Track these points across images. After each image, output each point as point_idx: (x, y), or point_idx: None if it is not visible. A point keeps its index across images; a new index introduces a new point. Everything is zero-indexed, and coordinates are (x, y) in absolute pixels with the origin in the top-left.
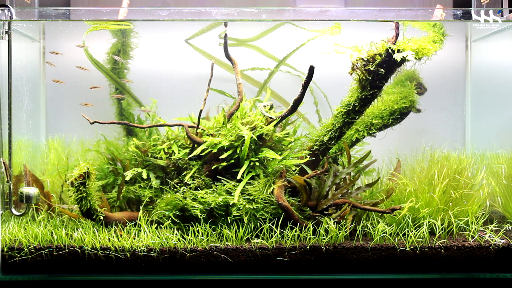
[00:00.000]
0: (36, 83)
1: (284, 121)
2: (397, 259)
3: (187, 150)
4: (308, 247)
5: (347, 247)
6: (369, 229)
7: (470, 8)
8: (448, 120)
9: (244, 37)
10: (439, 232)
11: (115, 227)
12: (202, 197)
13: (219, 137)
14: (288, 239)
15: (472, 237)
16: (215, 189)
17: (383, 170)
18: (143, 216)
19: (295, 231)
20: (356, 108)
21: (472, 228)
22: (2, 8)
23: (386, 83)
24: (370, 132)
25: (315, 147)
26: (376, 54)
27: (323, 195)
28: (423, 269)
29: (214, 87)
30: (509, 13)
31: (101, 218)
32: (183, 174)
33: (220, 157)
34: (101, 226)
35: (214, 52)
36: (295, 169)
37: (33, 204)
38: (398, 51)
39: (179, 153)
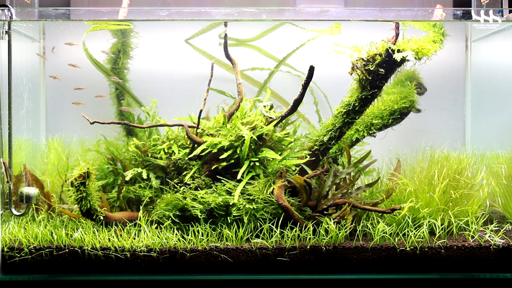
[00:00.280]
0: (36, 83)
1: (284, 121)
2: (397, 259)
3: (187, 150)
4: (308, 247)
5: (347, 247)
6: (369, 229)
7: (470, 8)
8: (448, 120)
9: (244, 37)
10: (439, 232)
11: (115, 227)
12: (202, 197)
13: (219, 137)
14: (288, 239)
15: (472, 237)
16: (215, 189)
17: (383, 170)
18: (143, 216)
19: (295, 231)
20: (356, 108)
21: (472, 228)
22: (2, 8)
23: (386, 83)
24: (370, 132)
25: (315, 147)
26: (376, 54)
27: (323, 195)
28: (423, 269)
29: (214, 87)
30: (509, 13)
31: (101, 218)
32: (183, 174)
33: (220, 157)
34: (101, 226)
35: (214, 52)
36: (295, 169)
37: (33, 204)
38: (398, 51)
39: (179, 153)
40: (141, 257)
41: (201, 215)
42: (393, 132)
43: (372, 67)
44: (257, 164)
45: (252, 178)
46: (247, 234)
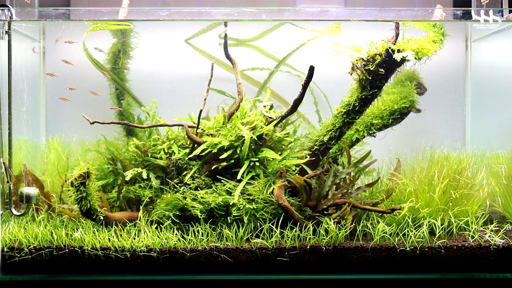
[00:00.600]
0: (36, 83)
1: (284, 121)
2: (397, 259)
3: (187, 150)
4: (308, 247)
5: (347, 247)
6: (369, 229)
7: (470, 8)
8: (448, 120)
9: (244, 37)
10: (439, 232)
11: (115, 227)
12: (202, 197)
13: (219, 137)
14: (288, 239)
15: (472, 237)
16: (215, 189)
17: (383, 170)
18: (143, 216)
19: (295, 231)
20: (356, 108)
21: (472, 228)
22: (2, 8)
23: (386, 83)
24: (370, 132)
25: (315, 147)
26: (376, 54)
27: (323, 195)
28: (423, 269)
29: (214, 87)
30: (509, 13)
31: (101, 218)
32: (183, 174)
33: (220, 157)
34: (101, 226)
35: (214, 52)
36: (295, 169)
37: (33, 204)
38: (398, 51)
39: (179, 153)
40: (141, 257)
41: (201, 215)
42: (393, 132)
43: (372, 67)
44: (257, 164)
45: (252, 178)
46: (247, 234)
